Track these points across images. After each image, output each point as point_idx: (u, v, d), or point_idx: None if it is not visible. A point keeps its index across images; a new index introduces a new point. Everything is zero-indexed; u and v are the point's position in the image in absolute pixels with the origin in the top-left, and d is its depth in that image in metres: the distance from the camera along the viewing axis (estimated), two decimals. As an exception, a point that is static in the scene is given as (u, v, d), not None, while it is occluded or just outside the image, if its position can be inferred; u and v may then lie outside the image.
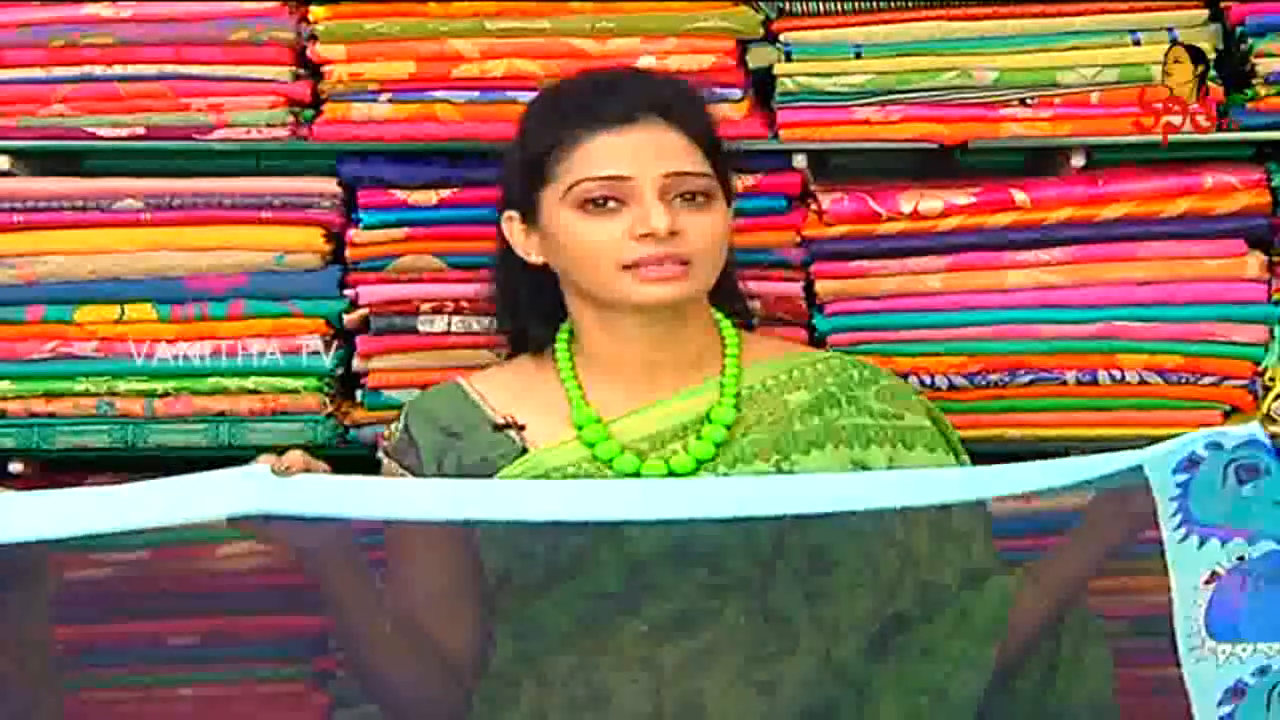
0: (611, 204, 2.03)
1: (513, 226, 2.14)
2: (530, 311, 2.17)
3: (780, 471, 2.05)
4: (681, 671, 1.99)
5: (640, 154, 2.04)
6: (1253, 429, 1.88)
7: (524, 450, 2.08)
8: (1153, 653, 2.10)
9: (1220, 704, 1.84)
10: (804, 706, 2.00)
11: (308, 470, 1.87)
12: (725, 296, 2.19)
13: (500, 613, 2.07)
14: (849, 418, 2.10)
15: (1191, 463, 1.85)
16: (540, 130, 2.10)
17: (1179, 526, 1.85)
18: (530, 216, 2.11)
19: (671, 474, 2.05)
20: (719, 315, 2.17)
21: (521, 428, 2.09)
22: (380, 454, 2.16)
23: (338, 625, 2.06)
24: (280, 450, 1.90)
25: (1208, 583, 1.85)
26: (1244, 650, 1.85)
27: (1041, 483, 1.91)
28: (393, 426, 2.16)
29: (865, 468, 2.07)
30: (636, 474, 2.04)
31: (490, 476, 2.06)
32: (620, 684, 1.99)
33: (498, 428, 2.10)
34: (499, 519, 1.95)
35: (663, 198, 2.03)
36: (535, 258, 2.13)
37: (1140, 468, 1.87)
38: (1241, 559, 1.85)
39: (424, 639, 2.08)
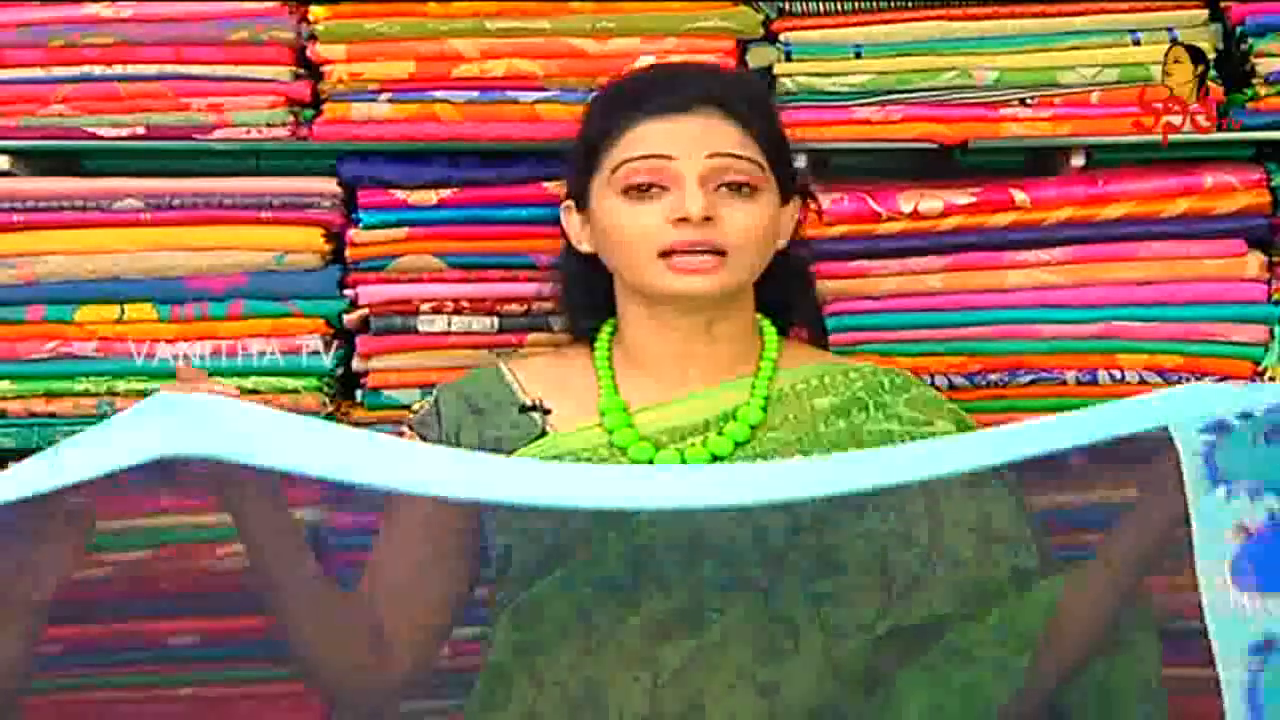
0: (654, 190, 2.04)
1: (569, 216, 2.15)
2: (582, 303, 2.19)
3: None
4: (681, 671, 1.97)
5: (686, 138, 2.04)
6: None
7: (544, 433, 2.08)
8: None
9: (1250, 655, 1.80)
10: (807, 708, 1.97)
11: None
12: (795, 300, 2.22)
13: (500, 602, 2.06)
14: (875, 423, 2.09)
15: (1221, 428, 1.82)
16: (597, 118, 2.12)
17: (1203, 478, 1.81)
18: (583, 204, 2.12)
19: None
20: (764, 320, 2.17)
21: (547, 411, 2.10)
22: (405, 427, 2.18)
23: (254, 568, 1.96)
24: None
25: (1235, 536, 1.82)
26: (1275, 604, 1.83)
27: (1058, 443, 1.87)
28: (425, 400, 2.18)
29: None
30: (650, 463, 2.04)
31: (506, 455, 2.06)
32: (618, 682, 1.97)
33: (524, 409, 2.10)
34: (498, 499, 1.87)
35: (704, 184, 2.03)
36: (585, 247, 2.14)
37: (1165, 428, 1.83)
38: (1273, 515, 1.82)
39: (359, 603, 2.04)
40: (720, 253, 2.02)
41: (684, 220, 2.01)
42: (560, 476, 1.88)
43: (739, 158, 2.04)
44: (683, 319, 2.09)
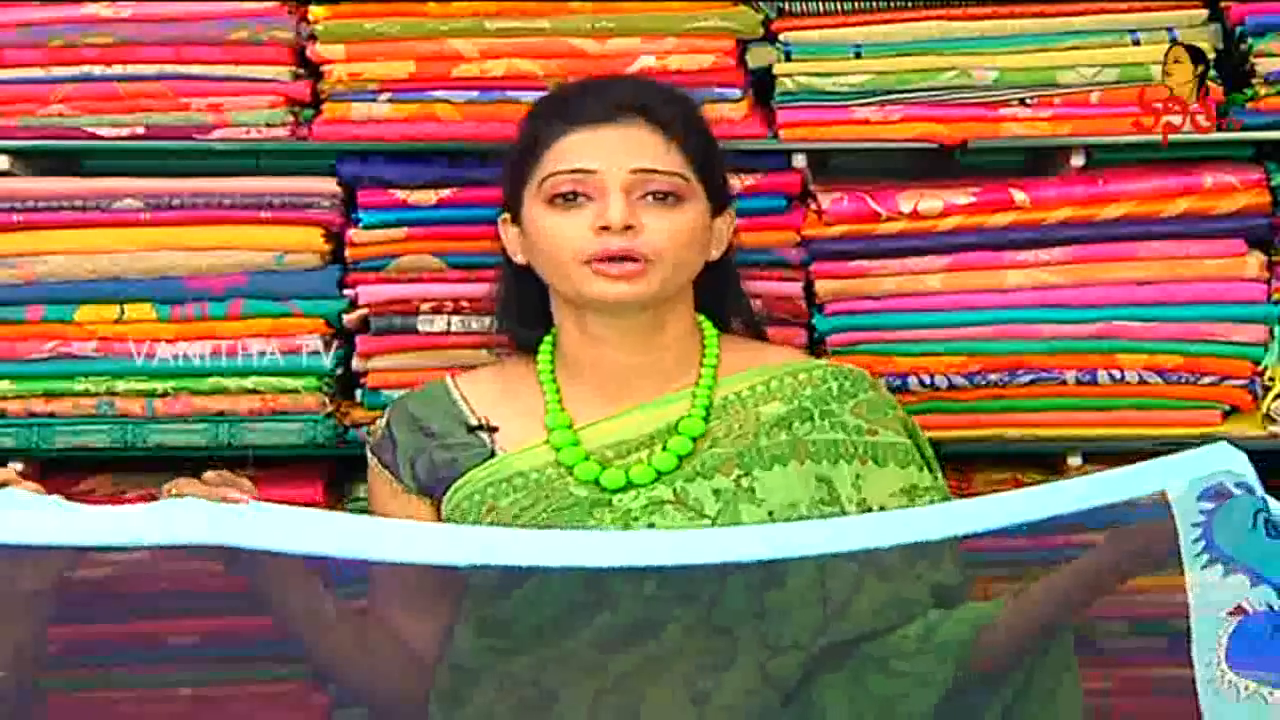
0: (580, 199, 2.06)
1: (506, 229, 2.18)
2: (521, 314, 2.20)
3: (739, 486, 2.05)
4: (625, 679, 1.99)
5: (610, 150, 2.07)
6: None
7: (492, 454, 2.10)
8: (1153, 652, 2.09)
9: None
10: (734, 716, 1.98)
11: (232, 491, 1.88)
12: (729, 305, 2.22)
13: (467, 610, 2.07)
14: (820, 433, 2.10)
15: (1219, 495, 1.80)
16: (527, 130, 2.15)
17: (1202, 552, 1.80)
18: (516, 215, 2.14)
19: (631, 484, 2.06)
20: (705, 322, 2.18)
21: (494, 430, 2.12)
22: (367, 450, 2.19)
23: (287, 627, 2.05)
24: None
25: (1232, 613, 1.81)
26: (1269, 693, 1.81)
27: (1058, 508, 1.85)
28: (379, 421, 2.20)
29: (830, 483, 2.06)
30: (596, 481, 2.06)
31: (458, 477, 2.09)
32: (568, 689, 2.00)
33: (471, 429, 2.12)
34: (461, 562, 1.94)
35: (628, 194, 2.05)
36: (520, 258, 2.16)
37: (1162, 491, 1.81)
38: (1271, 607, 1.80)
39: (388, 633, 2.09)
40: (644, 260, 2.04)
41: (606, 229, 2.03)
42: (531, 545, 1.92)
43: (660, 172, 2.06)
44: (614, 329, 2.10)
